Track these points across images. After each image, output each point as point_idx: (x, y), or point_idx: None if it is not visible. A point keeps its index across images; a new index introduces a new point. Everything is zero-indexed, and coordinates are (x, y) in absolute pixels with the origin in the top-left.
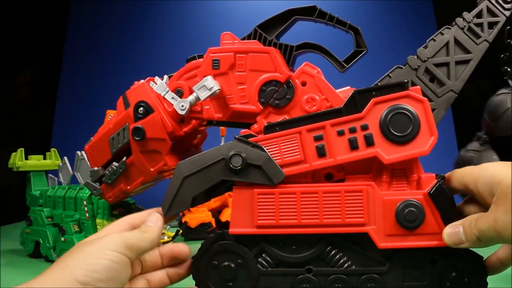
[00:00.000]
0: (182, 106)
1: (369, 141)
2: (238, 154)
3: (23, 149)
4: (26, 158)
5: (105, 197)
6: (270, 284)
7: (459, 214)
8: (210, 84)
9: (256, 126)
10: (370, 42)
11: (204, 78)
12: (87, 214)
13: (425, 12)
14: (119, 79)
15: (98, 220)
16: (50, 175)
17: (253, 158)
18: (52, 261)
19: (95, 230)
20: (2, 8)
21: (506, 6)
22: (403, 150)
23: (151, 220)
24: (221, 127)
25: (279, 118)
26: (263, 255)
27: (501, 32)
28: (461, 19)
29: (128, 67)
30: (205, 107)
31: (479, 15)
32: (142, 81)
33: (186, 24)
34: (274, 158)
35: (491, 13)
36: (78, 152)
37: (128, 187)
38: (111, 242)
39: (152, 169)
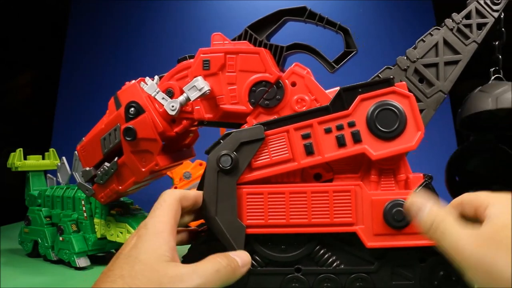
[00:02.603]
0: (173, 106)
1: (356, 138)
2: (224, 155)
3: (21, 149)
4: (25, 158)
5: (97, 198)
6: (260, 283)
7: None
8: (201, 84)
9: (246, 126)
10: (370, 42)
11: (195, 79)
12: (85, 214)
13: (425, 12)
14: (119, 79)
15: (96, 220)
16: (48, 175)
17: (229, 147)
18: (50, 261)
19: (93, 229)
20: (2, 8)
21: (495, 7)
22: (391, 146)
23: (241, 259)
24: (221, 128)
25: (269, 119)
26: (253, 254)
27: (490, 32)
28: (450, 20)
29: (128, 67)
30: (196, 107)
31: (468, 16)
32: (133, 81)
33: (186, 24)
34: (263, 157)
35: (480, 14)
36: (76, 152)
37: (120, 187)
38: None
39: (143, 169)
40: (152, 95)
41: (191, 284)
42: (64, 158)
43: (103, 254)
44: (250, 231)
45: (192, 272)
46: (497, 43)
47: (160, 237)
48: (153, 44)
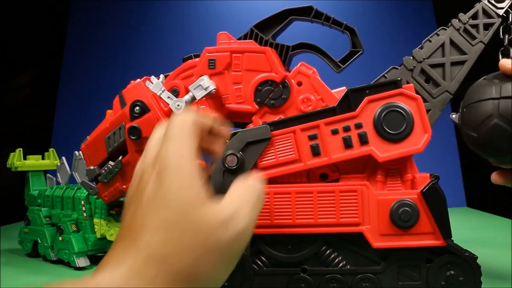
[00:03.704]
0: (178, 105)
1: (363, 140)
2: (230, 155)
3: (21, 149)
4: (25, 158)
5: (101, 196)
6: (266, 284)
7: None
8: (206, 83)
9: (251, 126)
10: (370, 42)
11: (200, 78)
12: (84, 214)
13: (425, 12)
14: (119, 79)
15: (95, 220)
16: (48, 175)
17: (235, 146)
18: (50, 261)
19: (92, 229)
20: (2, 8)
21: (499, 5)
22: (397, 148)
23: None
24: None
25: (275, 118)
26: (258, 255)
27: (497, 33)
28: (457, 20)
29: (128, 67)
30: (201, 106)
31: (474, 16)
32: (138, 80)
33: (186, 24)
34: (269, 157)
35: (486, 14)
36: (76, 152)
37: (124, 186)
38: None
39: None
40: (158, 94)
41: (242, 225)
42: (63, 158)
43: (103, 254)
44: (256, 231)
45: (236, 213)
46: (506, 36)
47: (188, 173)
48: (153, 44)
